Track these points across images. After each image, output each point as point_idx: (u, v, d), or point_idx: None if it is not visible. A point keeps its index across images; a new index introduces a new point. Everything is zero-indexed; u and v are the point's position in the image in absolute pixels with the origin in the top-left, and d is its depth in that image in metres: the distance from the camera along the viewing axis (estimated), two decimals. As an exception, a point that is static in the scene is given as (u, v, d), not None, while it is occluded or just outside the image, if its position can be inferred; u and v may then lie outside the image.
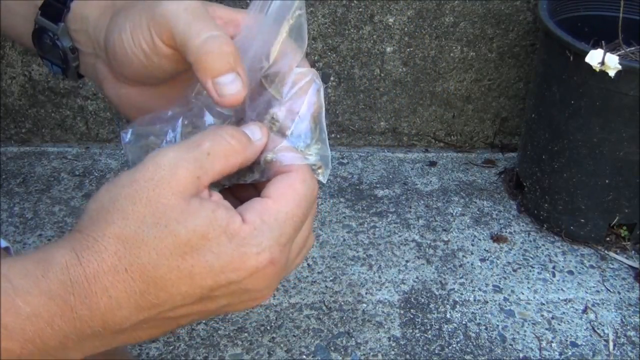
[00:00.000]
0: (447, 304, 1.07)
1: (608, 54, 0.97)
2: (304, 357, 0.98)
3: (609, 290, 1.10)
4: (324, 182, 0.43)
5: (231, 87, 0.38)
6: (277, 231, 0.36)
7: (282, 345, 0.99)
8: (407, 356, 0.98)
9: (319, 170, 0.41)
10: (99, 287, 0.34)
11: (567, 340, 1.02)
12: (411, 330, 1.02)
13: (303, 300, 1.06)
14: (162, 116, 0.43)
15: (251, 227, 0.36)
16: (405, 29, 1.29)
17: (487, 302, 1.08)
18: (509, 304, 1.07)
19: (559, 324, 1.04)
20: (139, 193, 0.34)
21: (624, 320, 1.05)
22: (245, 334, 1.00)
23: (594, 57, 0.98)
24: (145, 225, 0.34)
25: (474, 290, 1.10)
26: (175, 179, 0.35)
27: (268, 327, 1.01)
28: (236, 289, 0.36)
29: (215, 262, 0.35)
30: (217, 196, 0.37)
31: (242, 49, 0.41)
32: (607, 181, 1.11)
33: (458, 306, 1.07)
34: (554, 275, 1.13)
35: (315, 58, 1.32)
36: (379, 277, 1.11)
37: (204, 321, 1.02)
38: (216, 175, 0.36)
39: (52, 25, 0.47)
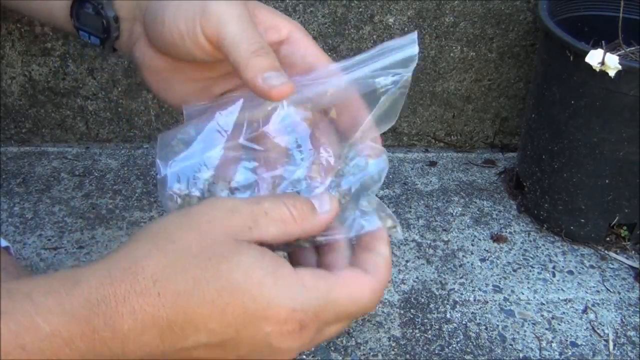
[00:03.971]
0: (447, 304, 1.07)
1: (608, 54, 0.97)
2: (304, 357, 0.98)
3: (609, 290, 1.10)
4: (401, 237, 0.45)
5: (279, 79, 0.39)
6: (322, 303, 0.35)
7: (282, 345, 0.99)
8: (407, 356, 0.98)
9: (395, 229, 0.43)
10: (127, 309, 0.33)
11: (567, 340, 1.02)
12: (411, 330, 1.02)
13: (303, 300, 1.06)
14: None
15: (300, 281, 0.35)
16: (405, 29, 1.29)
17: (487, 302, 1.08)
18: (509, 304, 1.07)
19: (559, 324, 1.04)
20: (191, 223, 0.34)
21: (624, 320, 1.05)
22: (245, 334, 1.00)
23: (594, 57, 0.98)
24: (190, 253, 0.33)
25: (474, 290, 1.10)
26: (229, 221, 0.34)
27: (268, 327, 1.01)
28: (260, 340, 0.34)
29: (251, 304, 0.33)
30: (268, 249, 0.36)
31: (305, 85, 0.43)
32: (607, 181, 1.11)
33: (458, 306, 1.07)
34: (554, 275, 1.13)
35: (315, 58, 1.32)
36: (379, 277, 1.11)
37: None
38: (269, 237, 0.36)
39: None
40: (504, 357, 0.99)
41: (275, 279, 0.34)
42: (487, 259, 1.16)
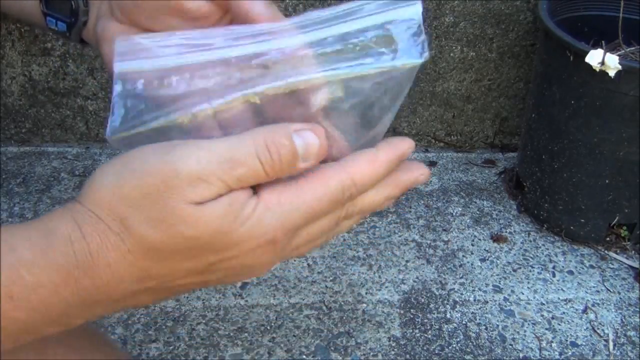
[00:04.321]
0: (447, 304, 1.07)
1: (608, 54, 0.97)
2: (304, 357, 0.98)
3: (609, 290, 1.10)
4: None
5: (267, 9, 0.38)
6: (286, 216, 0.36)
7: (282, 345, 0.99)
8: (407, 356, 0.98)
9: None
10: (102, 262, 0.34)
11: (567, 340, 1.02)
12: (411, 330, 1.02)
13: (303, 300, 1.06)
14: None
15: (263, 208, 0.35)
16: (405, 29, 1.29)
17: (487, 302, 1.08)
18: (509, 304, 1.07)
19: (559, 324, 1.04)
20: (150, 191, 0.33)
21: (624, 320, 1.05)
22: (245, 334, 1.00)
23: (594, 57, 0.98)
24: (151, 221, 0.34)
25: (474, 290, 1.10)
26: (194, 193, 0.33)
27: (268, 327, 1.01)
28: (236, 264, 0.36)
29: (222, 245, 0.35)
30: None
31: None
32: (607, 181, 1.11)
33: (458, 306, 1.07)
34: (554, 275, 1.13)
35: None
36: (379, 277, 1.11)
37: (203, 321, 1.02)
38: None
39: None
40: (504, 357, 0.99)
41: (242, 222, 0.35)
42: (487, 259, 1.16)
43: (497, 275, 1.13)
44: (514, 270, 1.14)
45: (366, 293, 1.08)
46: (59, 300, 0.34)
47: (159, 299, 0.38)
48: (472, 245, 1.19)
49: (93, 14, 0.48)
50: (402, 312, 1.05)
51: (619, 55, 0.98)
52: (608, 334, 1.03)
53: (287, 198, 0.36)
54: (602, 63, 0.97)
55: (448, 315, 1.05)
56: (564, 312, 1.06)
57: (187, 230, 0.34)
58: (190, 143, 0.34)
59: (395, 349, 0.99)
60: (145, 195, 0.34)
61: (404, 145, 0.39)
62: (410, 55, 0.36)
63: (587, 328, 1.04)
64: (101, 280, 0.34)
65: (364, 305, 1.06)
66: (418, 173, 0.41)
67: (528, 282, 1.11)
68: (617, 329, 1.04)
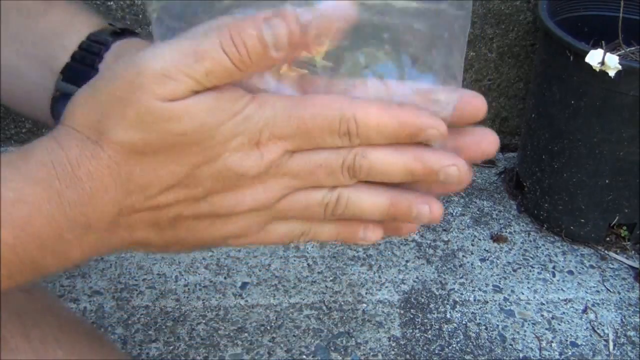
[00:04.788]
0: (447, 304, 1.07)
1: (608, 54, 0.97)
2: (304, 357, 0.98)
3: (609, 290, 1.10)
4: None
5: None
6: (275, 120, 0.34)
7: (282, 345, 0.99)
8: (407, 356, 0.98)
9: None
10: (83, 171, 0.33)
11: (567, 340, 1.02)
12: (411, 330, 1.02)
13: (303, 300, 1.06)
14: None
15: (255, 105, 0.34)
16: (405, 29, 1.29)
17: (487, 302, 1.08)
18: (509, 304, 1.07)
19: (559, 324, 1.04)
20: (120, 94, 0.32)
21: (624, 320, 1.05)
22: (245, 334, 1.00)
23: (594, 57, 0.98)
24: (128, 123, 0.32)
25: (474, 290, 1.10)
26: (162, 90, 0.32)
27: (268, 327, 1.01)
28: (221, 167, 0.34)
29: (208, 140, 0.33)
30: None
31: None
32: (607, 181, 1.11)
33: (458, 306, 1.07)
34: (554, 275, 1.13)
35: (315, 58, 1.32)
36: (379, 277, 1.11)
37: (203, 321, 1.02)
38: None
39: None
40: (504, 357, 0.99)
41: (231, 114, 0.33)
42: (487, 259, 1.16)
43: (497, 275, 1.13)
44: (514, 270, 1.14)
45: (366, 293, 1.08)
46: (45, 216, 0.33)
47: (157, 238, 0.36)
48: (472, 245, 1.19)
49: None
50: (402, 312, 1.05)
51: (619, 55, 0.98)
52: (608, 334, 1.03)
53: (281, 103, 0.34)
54: (602, 63, 0.97)
55: (448, 315, 1.05)
56: (564, 312, 1.06)
57: (170, 125, 0.32)
58: (159, 44, 0.33)
59: (395, 349, 0.99)
60: (116, 99, 0.33)
61: (428, 120, 0.35)
62: None
63: (587, 328, 1.04)
64: (85, 192, 0.33)
65: (364, 305, 1.06)
66: (448, 161, 0.35)
67: (528, 282, 1.11)
68: (617, 329, 1.04)
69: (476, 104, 0.38)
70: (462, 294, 1.09)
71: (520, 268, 1.14)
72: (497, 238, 1.20)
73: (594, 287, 1.11)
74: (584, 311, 1.07)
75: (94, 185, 0.33)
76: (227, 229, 0.37)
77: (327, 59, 0.35)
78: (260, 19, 0.32)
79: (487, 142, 0.37)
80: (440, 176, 0.35)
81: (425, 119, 0.35)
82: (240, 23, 0.32)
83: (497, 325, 1.04)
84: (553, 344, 1.01)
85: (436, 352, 0.99)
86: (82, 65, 0.45)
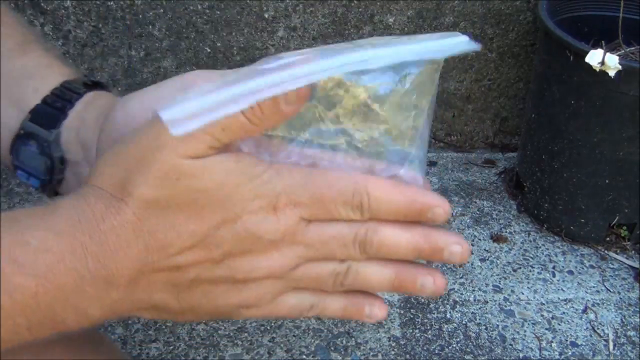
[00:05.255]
0: (447, 304, 1.07)
1: (608, 54, 0.97)
2: (304, 357, 0.98)
3: (609, 290, 1.10)
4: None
5: None
6: (294, 187, 0.35)
7: (282, 345, 0.99)
8: (407, 356, 0.98)
9: None
10: (107, 225, 0.33)
11: (567, 340, 1.02)
12: (411, 330, 1.02)
13: (303, 300, 1.06)
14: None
15: (274, 171, 0.35)
16: (405, 29, 1.29)
17: (487, 302, 1.08)
18: (509, 304, 1.07)
19: (559, 324, 1.04)
20: (144, 152, 0.34)
21: (624, 320, 1.05)
22: (245, 334, 1.00)
23: (594, 57, 0.98)
24: (153, 180, 0.33)
25: (474, 290, 1.10)
26: (185, 147, 0.33)
27: (268, 327, 1.01)
28: (241, 229, 0.35)
29: (228, 200, 0.34)
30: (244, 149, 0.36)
31: None
32: (607, 181, 1.11)
33: (458, 306, 1.07)
34: (554, 275, 1.13)
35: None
36: (379, 277, 1.11)
37: (203, 321, 1.02)
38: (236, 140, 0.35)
39: (44, 131, 0.44)
40: (504, 357, 0.99)
41: (251, 177, 0.34)
42: (487, 259, 1.16)
43: (497, 275, 1.13)
44: (514, 270, 1.14)
45: (366, 293, 1.08)
46: (68, 267, 0.33)
47: (175, 300, 0.36)
48: (472, 245, 1.19)
49: (77, 165, 0.45)
50: (402, 312, 1.05)
51: (619, 55, 0.98)
52: (608, 334, 1.03)
53: (298, 172, 0.35)
54: (602, 63, 0.97)
55: (448, 315, 1.05)
56: (564, 312, 1.06)
57: (192, 182, 0.33)
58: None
59: (395, 349, 0.99)
60: (141, 157, 0.34)
61: (435, 199, 0.37)
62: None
63: (587, 328, 1.04)
64: (108, 246, 0.33)
65: (364, 305, 1.06)
66: (453, 240, 0.37)
67: (528, 282, 1.11)
68: (617, 329, 1.04)
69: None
70: (462, 294, 1.09)
71: (520, 268, 1.14)
72: (497, 238, 1.20)
73: (594, 287, 1.11)
74: (584, 311, 1.07)
75: (117, 240, 0.34)
76: (242, 296, 0.37)
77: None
78: None
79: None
80: (445, 255, 0.37)
81: (432, 197, 0.37)
82: None
83: (497, 325, 1.04)
84: (553, 344, 1.01)
85: (436, 352, 0.99)
86: (52, 109, 0.45)
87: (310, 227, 0.36)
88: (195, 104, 0.33)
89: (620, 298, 1.09)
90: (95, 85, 0.48)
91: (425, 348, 1.00)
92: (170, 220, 0.34)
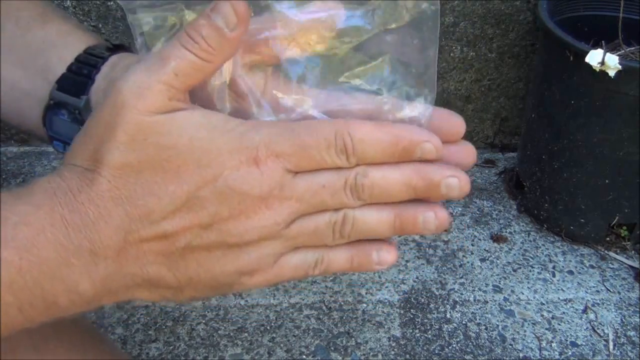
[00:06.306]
0: (447, 304, 1.07)
1: (608, 54, 0.97)
2: (304, 357, 0.98)
3: (609, 290, 1.10)
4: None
5: None
6: (273, 137, 0.34)
7: (282, 345, 0.99)
8: (407, 356, 0.98)
9: None
10: (84, 197, 0.33)
11: (567, 340, 1.02)
12: (411, 330, 1.02)
13: (303, 300, 1.06)
14: None
15: (249, 125, 0.34)
16: (405, 29, 1.29)
17: (487, 302, 1.08)
18: (509, 304, 1.07)
19: (559, 324, 1.04)
20: (107, 118, 0.33)
21: (624, 320, 1.05)
22: (245, 334, 1.00)
23: (594, 57, 0.98)
24: (121, 145, 0.33)
25: (474, 290, 1.10)
26: (144, 102, 0.33)
27: (268, 327, 1.01)
28: (223, 188, 0.34)
29: (204, 156, 0.33)
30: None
31: None
32: (607, 181, 1.11)
33: (458, 306, 1.07)
34: (554, 275, 1.13)
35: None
36: (379, 277, 1.11)
37: (203, 321, 1.02)
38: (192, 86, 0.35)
39: (73, 99, 0.45)
40: (504, 357, 0.99)
41: (226, 131, 0.34)
42: (487, 259, 1.16)
43: (497, 275, 1.13)
44: (514, 270, 1.14)
45: (366, 293, 1.08)
46: (50, 239, 0.33)
47: (168, 273, 0.35)
48: (472, 245, 1.19)
49: None
50: (402, 312, 1.05)
51: (619, 55, 0.98)
52: (608, 334, 1.03)
53: (276, 124, 0.34)
54: (602, 63, 0.97)
55: (448, 315, 1.05)
56: (564, 312, 1.06)
57: (160, 139, 0.33)
58: (132, 64, 0.34)
59: (395, 349, 0.99)
60: (105, 125, 0.33)
61: (422, 134, 0.35)
62: None
63: (587, 328, 1.04)
64: (88, 217, 0.33)
65: (364, 305, 1.06)
66: (449, 172, 0.36)
67: (528, 282, 1.11)
68: (617, 329, 1.04)
69: (454, 122, 0.38)
70: (462, 294, 1.09)
71: (520, 268, 1.14)
72: (497, 238, 1.20)
73: (594, 287, 1.11)
74: (584, 311, 1.07)
75: (96, 210, 0.33)
76: (240, 262, 0.36)
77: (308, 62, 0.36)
78: (207, 10, 0.33)
79: (466, 154, 0.39)
80: (442, 189, 0.36)
81: (419, 133, 0.35)
82: (192, 21, 0.34)
83: (497, 325, 1.04)
84: (553, 344, 1.01)
85: (436, 352, 0.99)
86: (78, 76, 0.45)
87: (297, 179, 0.35)
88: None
89: (620, 298, 1.09)
90: (118, 48, 0.48)
91: (425, 348, 1.00)
92: (147, 184, 0.33)
